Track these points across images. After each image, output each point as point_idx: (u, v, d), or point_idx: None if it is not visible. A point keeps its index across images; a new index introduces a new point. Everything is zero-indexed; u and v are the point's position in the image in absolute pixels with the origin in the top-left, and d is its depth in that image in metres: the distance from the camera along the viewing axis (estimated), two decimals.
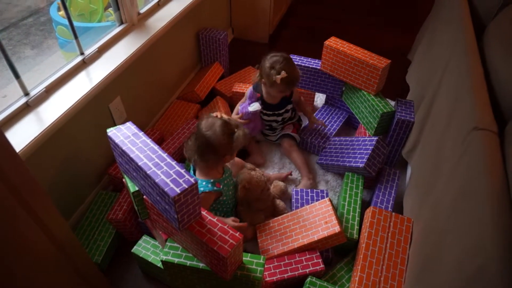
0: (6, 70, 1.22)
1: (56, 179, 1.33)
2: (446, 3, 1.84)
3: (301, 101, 1.80)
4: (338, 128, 1.85)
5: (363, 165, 1.46)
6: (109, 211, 1.38)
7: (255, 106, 1.65)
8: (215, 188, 1.29)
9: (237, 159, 1.54)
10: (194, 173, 1.34)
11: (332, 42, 1.68)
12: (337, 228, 1.25)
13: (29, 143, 1.15)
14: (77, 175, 1.46)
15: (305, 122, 1.88)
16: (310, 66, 1.79)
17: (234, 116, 1.74)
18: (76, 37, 1.44)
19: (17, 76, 1.23)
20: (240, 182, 1.40)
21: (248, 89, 1.74)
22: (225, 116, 1.34)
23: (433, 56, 1.69)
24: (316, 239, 1.27)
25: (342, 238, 1.28)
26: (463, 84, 1.13)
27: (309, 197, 1.49)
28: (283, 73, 1.50)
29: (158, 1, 1.86)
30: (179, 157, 1.68)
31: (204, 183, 1.29)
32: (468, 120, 0.97)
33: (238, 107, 1.76)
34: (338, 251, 1.40)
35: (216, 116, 1.31)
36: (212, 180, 1.29)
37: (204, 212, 1.07)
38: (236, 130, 1.27)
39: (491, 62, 1.20)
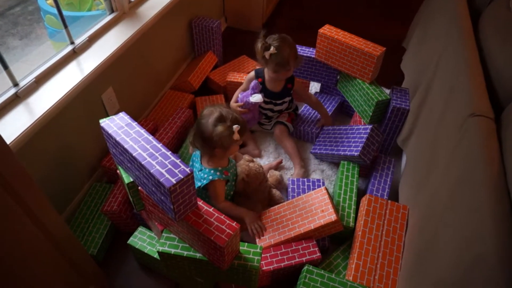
0: None
1: (48, 172, 1.31)
2: None
3: (313, 100, 1.76)
4: (331, 113, 1.83)
5: (358, 153, 1.46)
6: (104, 203, 1.37)
7: (257, 98, 1.62)
8: (223, 176, 1.29)
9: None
10: (200, 161, 1.33)
11: (327, 30, 1.66)
12: (333, 217, 1.25)
13: (19, 135, 1.12)
14: (70, 167, 1.43)
15: (302, 110, 1.87)
16: (305, 54, 1.77)
17: (233, 104, 1.71)
18: (65, 26, 1.41)
19: (5, 66, 1.20)
20: (239, 175, 1.40)
21: (248, 75, 1.71)
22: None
23: (429, 44, 1.68)
24: (312, 227, 1.27)
25: (338, 226, 1.28)
26: (459, 71, 1.13)
27: (306, 186, 1.49)
28: (272, 49, 1.49)
29: None
30: (173, 147, 1.66)
31: (212, 171, 1.28)
32: (465, 106, 0.97)
33: (238, 95, 1.72)
34: (334, 240, 1.41)
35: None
36: (220, 168, 1.29)
37: (200, 202, 1.06)
38: (228, 124, 1.20)
39: (487, 48, 1.20)
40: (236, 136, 1.20)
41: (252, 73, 1.69)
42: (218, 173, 1.28)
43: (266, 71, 1.63)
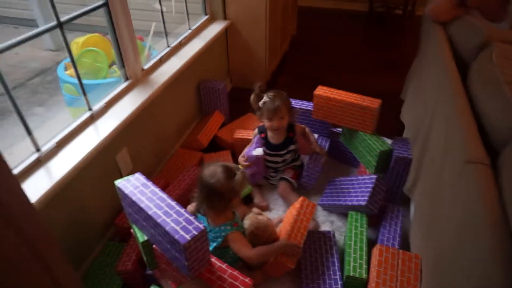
0: (12, 128, 1.28)
1: (63, 232, 1.34)
2: (429, 48, 1.97)
3: (306, 132, 1.85)
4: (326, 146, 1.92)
5: (366, 202, 1.48)
6: (118, 262, 1.38)
7: (258, 151, 1.71)
8: (235, 228, 1.31)
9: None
10: (208, 223, 1.36)
11: (321, 90, 1.77)
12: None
13: (38, 198, 1.18)
14: (84, 226, 1.47)
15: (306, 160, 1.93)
16: (304, 108, 1.88)
17: (240, 159, 1.79)
18: (84, 93, 1.53)
19: (29, 132, 1.29)
20: (248, 227, 1.42)
21: (253, 132, 1.82)
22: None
23: (423, 96, 1.78)
24: None
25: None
26: (453, 122, 1.20)
27: (316, 239, 1.50)
28: (265, 98, 1.63)
29: (160, 58, 1.98)
30: (182, 204, 1.70)
31: (223, 227, 1.30)
32: (460, 154, 1.02)
33: (244, 151, 1.83)
34: None
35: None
36: (228, 222, 1.31)
37: (213, 259, 1.08)
38: (236, 172, 1.28)
39: (477, 98, 1.28)
40: (246, 182, 1.28)
41: (255, 131, 1.81)
42: (229, 227, 1.30)
43: (265, 123, 1.74)
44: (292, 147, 1.79)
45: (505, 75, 1.21)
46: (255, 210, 1.50)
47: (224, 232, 1.29)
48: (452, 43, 1.75)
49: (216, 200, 1.27)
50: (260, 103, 1.67)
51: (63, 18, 1.31)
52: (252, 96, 1.70)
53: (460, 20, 1.79)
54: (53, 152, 1.36)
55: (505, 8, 1.80)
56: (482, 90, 1.26)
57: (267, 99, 1.65)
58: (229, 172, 1.27)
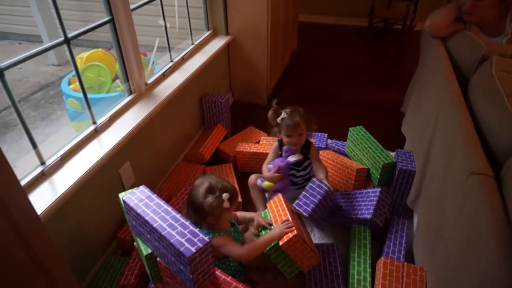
0: (15, 142, 1.29)
1: (66, 246, 1.34)
2: (429, 61, 2.00)
3: (318, 163, 1.71)
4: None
5: (371, 216, 1.48)
6: (120, 276, 1.37)
7: (296, 156, 1.64)
8: (222, 232, 1.29)
9: (239, 213, 1.54)
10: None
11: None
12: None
13: (43, 211, 1.18)
14: (87, 240, 1.46)
15: None
16: None
17: (267, 174, 1.66)
18: (89, 107, 1.54)
19: (34, 145, 1.30)
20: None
21: (272, 147, 1.75)
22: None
23: (424, 109, 1.80)
24: None
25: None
26: (455, 134, 1.21)
27: (320, 251, 1.49)
28: (283, 114, 1.59)
29: (163, 72, 2.01)
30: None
31: (211, 236, 1.28)
32: (464, 166, 1.03)
33: (267, 166, 1.71)
34: None
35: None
36: (216, 234, 1.29)
37: (218, 272, 1.07)
38: (216, 194, 1.23)
39: (478, 111, 1.29)
40: (226, 205, 1.23)
41: (276, 144, 1.73)
42: (216, 231, 1.29)
43: (283, 139, 1.66)
44: (307, 162, 1.73)
45: (505, 87, 1.23)
46: (252, 230, 1.45)
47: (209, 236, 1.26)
48: (451, 57, 1.78)
49: (193, 211, 1.27)
50: (278, 120, 1.61)
51: (70, 34, 1.34)
52: (270, 113, 1.64)
53: (459, 35, 1.83)
54: (57, 166, 1.37)
55: (502, 23, 1.84)
56: (483, 102, 1.27)
57: (285, 115, 1.60)
58: (210, 191, 1.24)
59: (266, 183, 1.67)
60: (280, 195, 1.52)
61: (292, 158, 1.65)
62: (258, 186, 1.72)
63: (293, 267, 1.34)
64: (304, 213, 1.45)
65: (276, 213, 1.43)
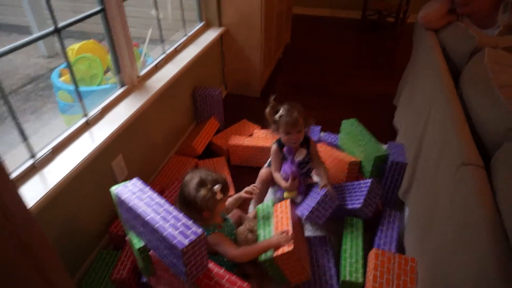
0: (4, 135, 1.26)
1: (57, 239, 1.33)
2: (421, 54, 2.00)
3: (318, 159, 1.69)
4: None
5: (360, 205, 1.49)
6: (113, 270, 1.37)
7: (302, 154, 1.61)
8: (217, 229, 1.29)
9: (235, 210, 1.55)
10: None
11: None
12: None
13: (33, 204, 1.17)
14: (78, 234, 1.45)
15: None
16: None
17: (285, 184, 1.59)
18: (81, 99, 1.52)
19: (24, 138, 1.28)
20: (237, 243, 1.38)
21: (272, 150, 1.66)
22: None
23: (417, 102, 1.80)
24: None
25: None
26: (447, 126, 1.22)
27: (312, 243, 1.50)
28: (282, 110, 1.55)
29: (156, 64, 1.99)
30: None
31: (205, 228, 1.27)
32: (455, 157, 1.04)
33: (279, 175, 1.63)
34: None
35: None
36: (211, 225, 1.29)
37: (211, 264, 1.07)
38: (208, 186, 1.22)
39: (469, 103, 1.30)
40: (219, 196, 1.22)
41: (274, 147, 1.65)
42: (211, 227, 1.28)
43: (281, 137, 1.61)
44: (307, 158, 1.68)
45: (497, 79, 1.23)
46: (247, 225, 1.44)
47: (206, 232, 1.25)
48: (444, 48, 1.79)
49: (186, 207, 1.24)
50: (276, 117, 1.56)
51: (60, 24, 1.32)
52: (267, 109, 1.58)
53: (451, 26, 1.83)
54: (48, 159, 1.35)
55: (494, 15, 1.84)
56: (474, 94, 1.28)
57: (284, 112, 1.54)
58: (202, 184, 1.23)
59: (287, 193, 1.61)
60: (288, 201, 1.47)
61: (298, 158, 1.62)
62: (280, 199, 1.64)
63: (283, 278, 1.34)
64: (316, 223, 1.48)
65: (279, 219, 1.41)
